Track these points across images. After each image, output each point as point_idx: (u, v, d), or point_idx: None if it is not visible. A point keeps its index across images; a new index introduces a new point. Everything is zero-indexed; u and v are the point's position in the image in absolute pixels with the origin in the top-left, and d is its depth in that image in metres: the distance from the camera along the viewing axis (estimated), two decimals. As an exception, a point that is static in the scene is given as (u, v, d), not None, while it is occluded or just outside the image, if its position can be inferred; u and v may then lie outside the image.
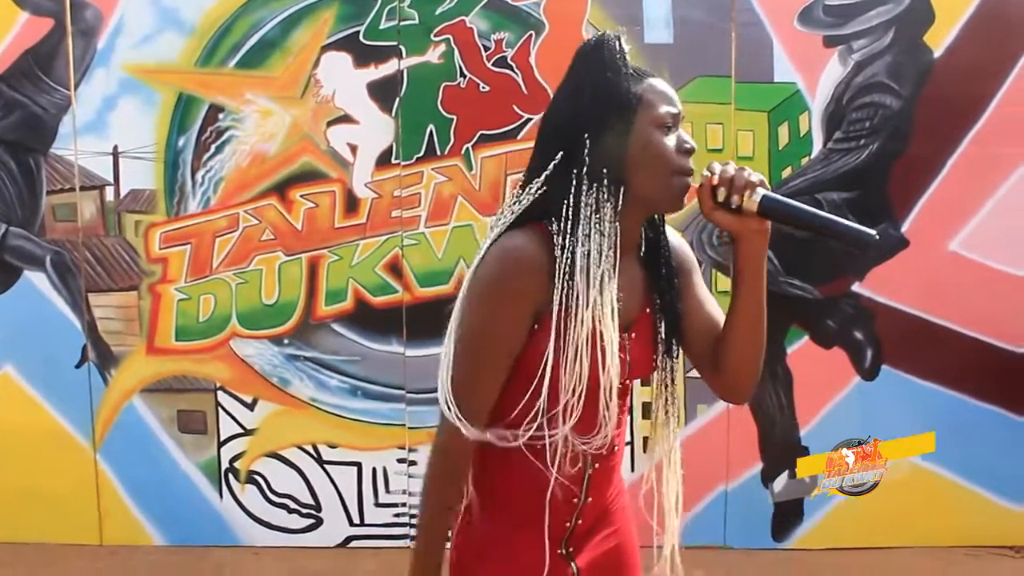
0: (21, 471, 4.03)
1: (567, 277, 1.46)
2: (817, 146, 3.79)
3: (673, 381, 1.65)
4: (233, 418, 3.99)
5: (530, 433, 1.51)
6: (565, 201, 1.48)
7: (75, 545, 4.03)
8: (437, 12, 3.74)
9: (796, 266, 3.81)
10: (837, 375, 3.89)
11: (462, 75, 3.75)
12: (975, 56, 3.74)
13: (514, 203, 1.54)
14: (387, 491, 3.99)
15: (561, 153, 1.50)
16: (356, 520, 4.00)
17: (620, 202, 1.48)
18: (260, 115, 3.84)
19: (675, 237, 1.69)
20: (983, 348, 3.86)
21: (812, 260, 3.80)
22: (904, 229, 3.81)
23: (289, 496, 4.01)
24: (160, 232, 3.92)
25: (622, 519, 1.75)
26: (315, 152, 3.84)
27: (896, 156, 3.78)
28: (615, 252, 1.49)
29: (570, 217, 1.48)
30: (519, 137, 3.76)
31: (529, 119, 3.75)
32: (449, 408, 1.51)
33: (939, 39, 3.74)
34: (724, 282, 3.82)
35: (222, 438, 4.00)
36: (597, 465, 1.62)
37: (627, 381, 1.60)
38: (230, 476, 4.01)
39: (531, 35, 3.74)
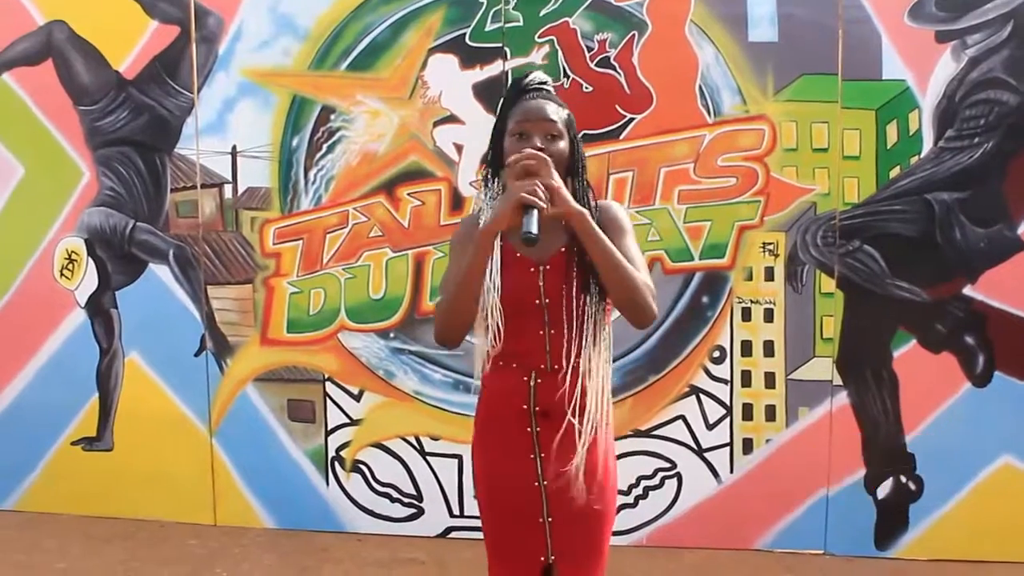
0: (144, 452, 4.28)
1: None
2: (928, 145, 3.68)
3: (596, 311, 2.10)
4: (340, 408, 4.13)
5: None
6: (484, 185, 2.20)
7: (191, 524, 4.25)
8: (541, 14, 3.81)
9: (903, 268, 3.73)
10: (946, 381, 3.76)
11: (565, 75, 3.80)
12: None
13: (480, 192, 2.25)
14: (486, 484, 4.06)
15: (488, 153, 2.21)
16: (456, 511, 4.09)
17: (497, 183, 2.15)
18: (370, 116, 3.98)
19: (610, 206, 2.21)
20: (1105, 356, 3.69)
21: (919, 262, 3.71)
22: (1021, 230, 3.67)
23: (392, 485, 4.13)
24: (274, 228, 4.10)
25: (594, 451, 2.12)
26: (422, 151, 3.95)
27: (1013, 154, 3.64)
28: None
29: (483, 196, 2.18)
30: (621, 137, 3.79)
31: (632, 119, 3.78)
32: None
33: (1063, 31, 3.60)
34: (828, 283, 3.77)
35: (329, 427, 4.15)
36: (540, 380, 2.09)
37: (539, 301, 2.09)
38: (336, 464, 4.16)
39: (634, 35, 3.76)
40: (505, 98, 2.18)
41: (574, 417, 2.07)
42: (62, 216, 4.28)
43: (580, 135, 2.18)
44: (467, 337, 2.11)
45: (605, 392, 2.14)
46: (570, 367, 2.07)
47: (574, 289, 2.07)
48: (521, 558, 2.14)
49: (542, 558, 2.11)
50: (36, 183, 4.30)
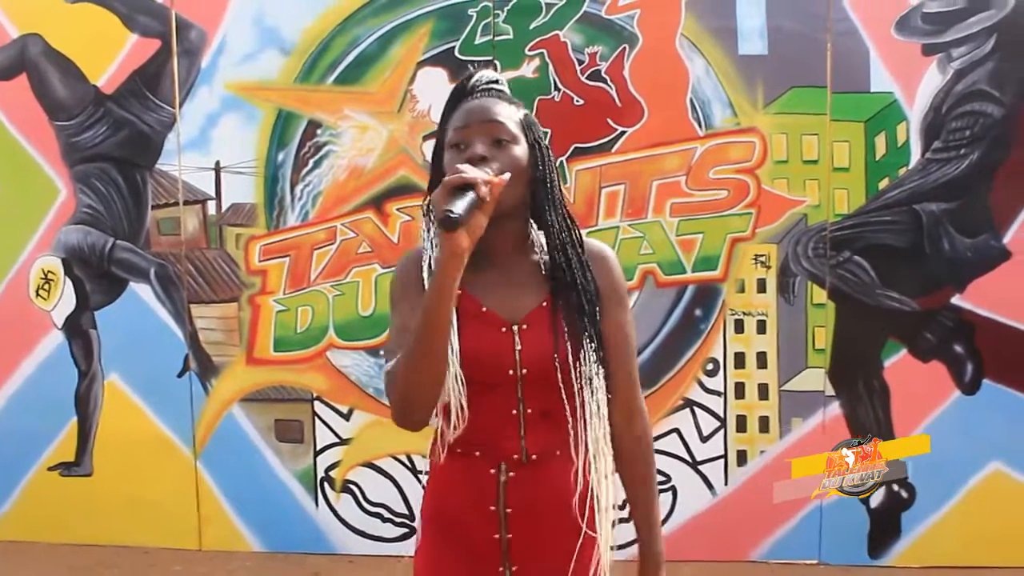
0: (125, 476, 4.16)
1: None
2: (915, 156, 3.72)
3: (594, 376, 1.63)
4: (329, 428, 4.06)
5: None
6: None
7: (176, 549, 4.13)
8: (531, 27, 3.78)
9: (892, 278, 3.76)
10: (936, 389, 3.80)
11: (556, 89, 3.78)
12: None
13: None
14: (479, 501, 4.01)
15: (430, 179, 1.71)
16: (448, 530, 4.02)
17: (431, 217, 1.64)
18: (357, 130, 3.92)
19: (606, 258, 1.73)
20: (1091, 362, 3.75)
21: (909, 272, 3.75)
22: (1006, 240, 3.72)
23: (383, 505, 4.05)
24: (260, 245, 4.01)
25: (584, 556, 1.69)
26: (411, 166, 3.91)
27: (998, 165, 3.69)
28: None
29: (427, 233, 1.68)
30: (613, 150, 3.78)
31: (623, 132, 3.77)
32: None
33: (1045, 45, 3.66)
34: (819, 294, 3.79)
35: (318, 447, 4.07)
36: (513, 473, 1.64)
37: (514, 371, 1.62)
38: (326, 485, 4.07)
39: (624, 48, 3.76)
40: (445, 105, 1.69)
41: (580, 519, 1.64)
42: (37, 235, 4.16)
43: (548, 138, 1.76)
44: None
45: (608, 482, 1.69)
46: (570, 456, 1.64)
47: (569, 354, 1.61)
48: None
49: None
50: (10, 201, 4.17)
